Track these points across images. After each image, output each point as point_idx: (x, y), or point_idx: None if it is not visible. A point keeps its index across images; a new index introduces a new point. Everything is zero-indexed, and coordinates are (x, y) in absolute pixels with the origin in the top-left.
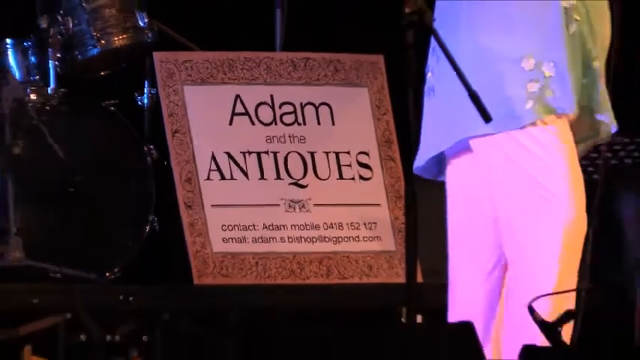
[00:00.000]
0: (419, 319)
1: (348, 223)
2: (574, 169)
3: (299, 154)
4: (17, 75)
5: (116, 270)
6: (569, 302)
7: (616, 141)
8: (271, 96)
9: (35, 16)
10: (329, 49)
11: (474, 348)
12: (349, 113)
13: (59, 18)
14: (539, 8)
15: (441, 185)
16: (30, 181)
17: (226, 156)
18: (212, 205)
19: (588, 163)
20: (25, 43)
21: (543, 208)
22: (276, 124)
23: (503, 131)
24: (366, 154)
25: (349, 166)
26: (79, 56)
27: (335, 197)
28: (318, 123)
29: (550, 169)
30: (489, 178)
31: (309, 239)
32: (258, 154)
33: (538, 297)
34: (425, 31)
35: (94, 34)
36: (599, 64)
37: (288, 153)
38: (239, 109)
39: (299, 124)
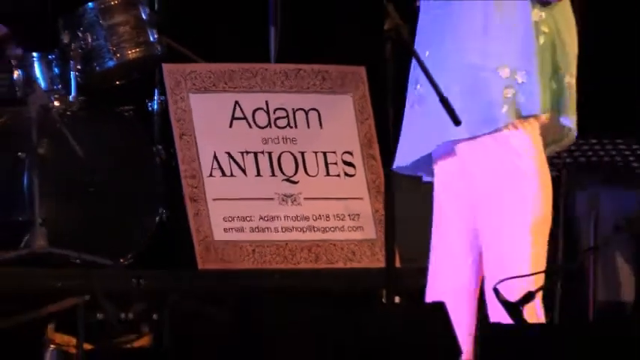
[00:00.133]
0: (397, 299)
1: (334, 215)
2: (543, 168)
3: (291, 153)
4: (42, 84)
5: (129, 256)
6: (541, 282)
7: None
8: (266, 102)
9: (58, 33)
10: (318, 60)
11: (445, 324)
12: (335, 118)
13: (79, 34)
14: (513, 22)
15: (418, 183)
16: (53, 178)
17: (227, 155)
18: (214, 199)
19: (549, 162)
20: (49, 57)
21: (516, 202)
22: (270, 127)
23: (482, 133)
24: (350, 153)
25: (335, 164)
26: (97, 68)
27: (323, 192)
28: (308, 126)
29: (521, 168)
30: (470, 178)
31: (299, 229)
32: (255, 153)
33: (502, 280)
34: (402, 45)
35: (111, 48)
36: (566, 72)
37: (282, 153)
38: (238, 114)
39: (291, 127)
